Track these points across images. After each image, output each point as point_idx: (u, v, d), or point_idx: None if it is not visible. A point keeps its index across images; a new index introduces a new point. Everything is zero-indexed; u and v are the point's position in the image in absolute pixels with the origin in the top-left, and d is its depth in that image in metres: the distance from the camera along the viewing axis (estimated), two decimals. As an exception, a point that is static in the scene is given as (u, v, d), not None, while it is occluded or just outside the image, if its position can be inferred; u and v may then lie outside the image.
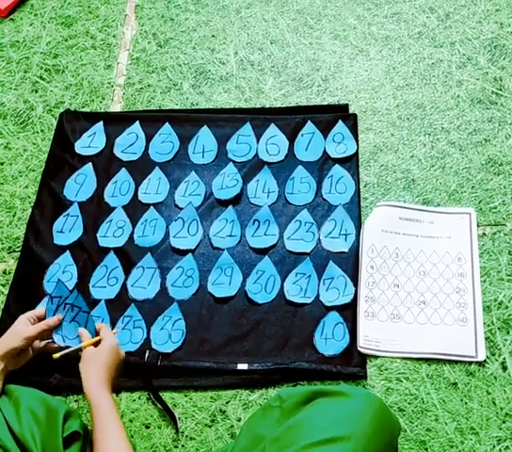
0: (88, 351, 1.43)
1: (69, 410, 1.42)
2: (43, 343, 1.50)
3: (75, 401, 1.59)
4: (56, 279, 1.64)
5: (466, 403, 1.50)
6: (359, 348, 1.58)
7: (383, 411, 1.25)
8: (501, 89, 1.97)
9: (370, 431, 1.17)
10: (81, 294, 1.57)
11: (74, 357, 1.44)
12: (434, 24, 2.14)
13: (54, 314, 1.49)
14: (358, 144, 1.91)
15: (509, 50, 2.04)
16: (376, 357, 1.58)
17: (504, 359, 1.55)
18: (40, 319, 1.48)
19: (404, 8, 2.19)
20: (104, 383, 1.37)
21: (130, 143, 1.98)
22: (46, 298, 1.58)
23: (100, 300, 1.71)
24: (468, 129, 1.91)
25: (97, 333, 1.50)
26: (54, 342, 1.48)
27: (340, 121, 1.96)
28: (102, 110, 2.07)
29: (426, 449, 1.45)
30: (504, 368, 1.54)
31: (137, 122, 2.02)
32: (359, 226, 1.76)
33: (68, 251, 1.79)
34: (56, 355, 1.43)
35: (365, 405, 1.23)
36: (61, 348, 1.46)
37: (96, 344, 1.45)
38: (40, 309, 1.50)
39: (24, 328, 1.44)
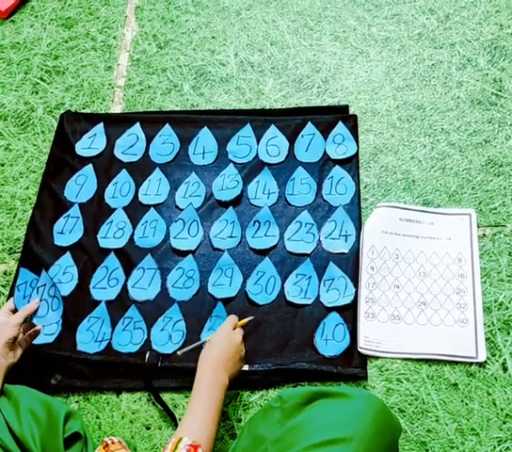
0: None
1: (69, 411, 1.42)
2: (26, 335, 1.53)
3: (76, 402, 1.59)
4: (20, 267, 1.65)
5: (466, 404, 1.50)
6: (359, 349, 1.58)
7: (384, 413, 1.26)
8: (501, 91, 1.97)
9: (371, 433, 1.18)
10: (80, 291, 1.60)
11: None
12: (434, 25, 2.14)
13: (26, 300, 1.56)
14: (358, 145, 1.91)
15: (509, 51, 2.04)
16: (377, 358, 1.58)
17: (505, 360, 1.55)
18: (14, 311, 1.52)
19: (404, 10, 2.20)
20: (214, 365, 1.39)
21: (130, 144, 1.98)
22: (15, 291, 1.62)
23: (100, 302, 1.71)
24: (468, 130, 1.91)
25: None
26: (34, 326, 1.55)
27: (340, 123, 1.96)
28: (102, 111, 2.07)
29: (427, 450, 1.45)
30: (505, 369, 1.54)
31: (138, 124, 2.02)
32: (359, 227, 1.77)
33: (68, 252, 1.79)
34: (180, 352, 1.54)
35: (366, 406, 1.23)
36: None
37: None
38: (8, 302, 1.55)
39: (7, 318, 1.48)
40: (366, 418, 1.20)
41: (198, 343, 1.54)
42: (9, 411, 1.34)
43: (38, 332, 1.56)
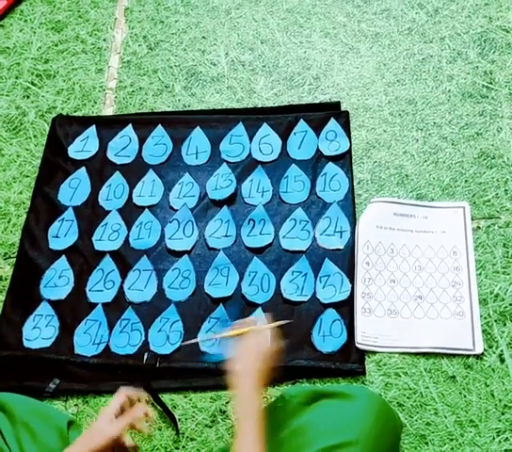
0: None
1: (69, 420, 1.41)
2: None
3: (75, 405, 1.59)
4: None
5: (465, 396, 1.50)
6: (357, 345, 1.58)
7: (386, 411, 1.28)
8: (491, 83, 1.97)
9: (375, 433, 1.20)
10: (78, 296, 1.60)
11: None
12: (423, 19, 2.14)
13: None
14: (350, 141, 1.91)
15: (498, 44, 2.04)
16: (375, 353, 1.58)
17: (502, 351, 1.55)
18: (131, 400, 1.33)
19: (393, 5, 2.19)
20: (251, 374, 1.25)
21: (123, 146, 1.98)
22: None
23: (97, 304, 1.71)
24: (459, 123, 1.91)
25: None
26: None
27: (332, 119, 1.96)
28: (94, 114, 2.07)
29: (427, 443, 1.45)
30: (502, 360, 1.54)
31: (130, 125, 2.02)
32: (353, 223, 1.77)
33: (64, 256, 1.79)
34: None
35: (368, 407, 1.25)
36: None
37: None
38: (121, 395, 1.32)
39: (105, 426, 1.25)
40: (369, 420, 1.22)
41: (196, 340, 1.56)
42: (7, 428, 1.32)
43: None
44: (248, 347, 1.31)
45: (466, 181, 1.80)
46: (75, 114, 2.07)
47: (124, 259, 1.78)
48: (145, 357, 1.61)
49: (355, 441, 1.16)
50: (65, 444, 1.32)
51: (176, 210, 1.85)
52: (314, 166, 1.89)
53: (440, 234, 1.72)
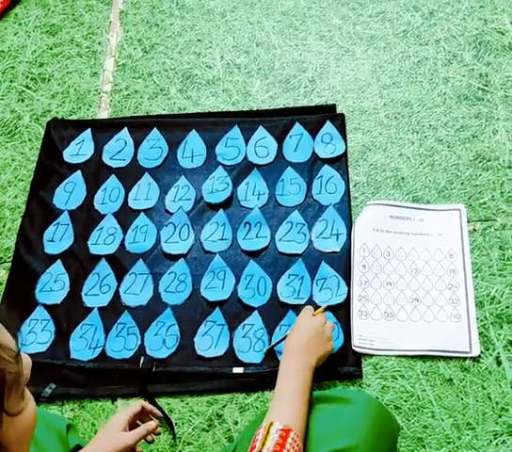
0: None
1: (68, 424, 1.41)
2: None
3: (71, 410, 1.58)
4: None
5: (462, 399, 1.50)
6: (353, 348, 1.58)
7: (384, 415, 1.29)
8: (487, 85, 1.97)
9: (373, 438, 1.21)
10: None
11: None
12: (418, 22, 2.14)
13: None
14: (346, 144, 1.91)
15: (494, 46, 2.04)
16: (371, 355, 1.58)
17: (498, 353, 1.54)
18: (136, 416, 1.40)
19: (388, 7, 2.19)
20: (295, 351, 1.38)
21: (118, 150, 1.98)
22: None
23: (93, 308, 1.70)
24: (455, 126, 1.91)
25: None
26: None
27: (328, 122, 1.96)
28: (89, 118, 2.07)
29: (424, 446, 1.45)
30: (499, 363, 1.53)
31: (125, 129, 2.02)
32: (350, 226, 1.76)
33: (59, 260, 1.78)
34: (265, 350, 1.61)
35: (366, 411, 1.26)
36: None
37: None
38: (135, 405, 1.41)
39: (120, 434, 1.32)
40: (366, 424, 1.22)
41: (281, 338, 1.56)
42: None
43: None
44: (306, 321, 1.47)
45: (462, 183, 1.80)
46: (70, 117, 2.07)
47: (120, 263, 1.77)
48: (141, 361, 1.60)
49: (354, 446, 1.16)
50: (65, 449, 1.32)
51: (172, 213, 1.84)
52: (310, 168, 1.89)
53: (437, 237, 1.72)
